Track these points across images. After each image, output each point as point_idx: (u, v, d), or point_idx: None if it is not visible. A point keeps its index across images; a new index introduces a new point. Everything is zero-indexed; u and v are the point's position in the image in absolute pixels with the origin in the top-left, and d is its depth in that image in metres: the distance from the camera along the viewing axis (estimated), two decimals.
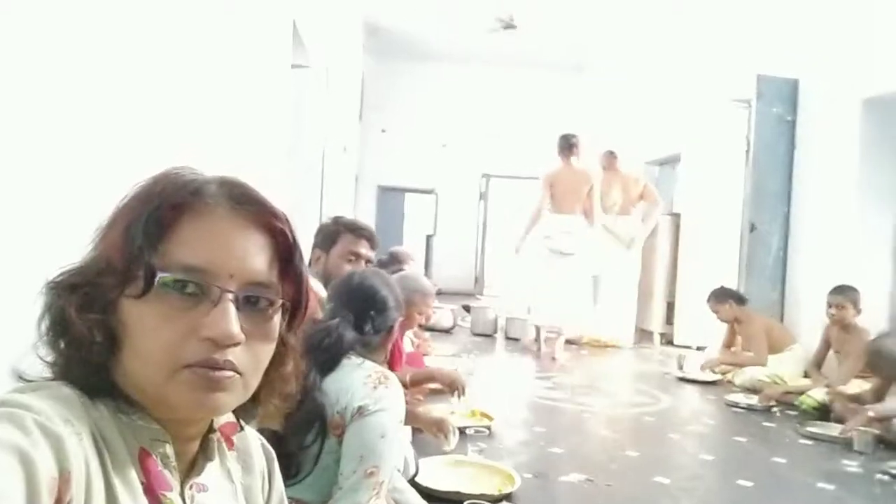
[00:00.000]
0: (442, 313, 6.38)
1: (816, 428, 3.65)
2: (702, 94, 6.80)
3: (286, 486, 0.91)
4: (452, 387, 2.92)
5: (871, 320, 4.74)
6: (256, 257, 0.68)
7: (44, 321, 0.66)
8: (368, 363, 1.67)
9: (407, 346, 3.82)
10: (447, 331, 6.50)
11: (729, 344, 5.35)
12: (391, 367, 2.01)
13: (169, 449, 0.68)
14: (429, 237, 11.18)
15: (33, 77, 1.25)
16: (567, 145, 6.03)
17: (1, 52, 1.16)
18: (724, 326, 5.35)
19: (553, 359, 5.57)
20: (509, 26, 7.94)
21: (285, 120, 3.82)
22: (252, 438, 0.85)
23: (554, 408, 3.95)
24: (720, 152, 6.36)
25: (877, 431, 3.36)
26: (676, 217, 6.88)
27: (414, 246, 9.27)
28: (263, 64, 3.19)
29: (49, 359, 0.67)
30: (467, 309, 7.21)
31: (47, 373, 0.68)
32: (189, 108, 2.14)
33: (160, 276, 0.64)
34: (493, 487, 2.42)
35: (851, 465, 3.10)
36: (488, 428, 3.23)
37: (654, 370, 5.41)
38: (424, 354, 4.39)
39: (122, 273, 0.65)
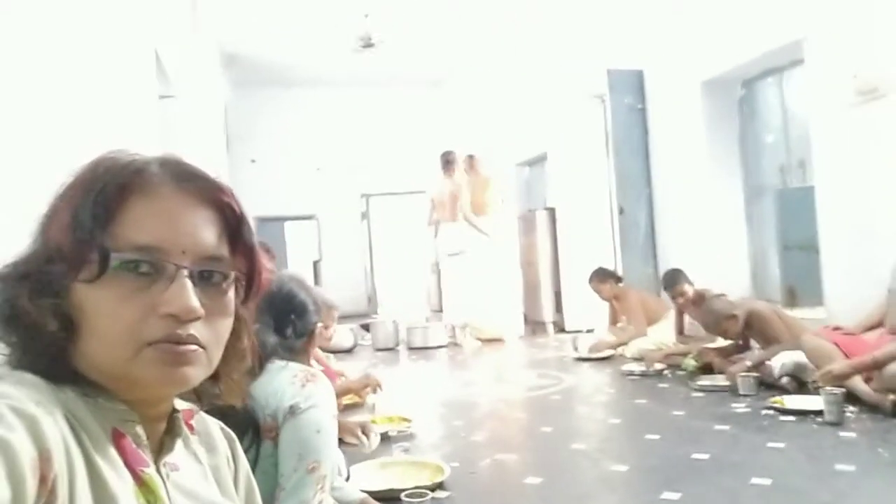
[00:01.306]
0: (341, 333, 6.31)
1: (705, 381, 4.00)
2: (560, 93, 7.23)
3: None
4: (369, 386, 2.93)
5: (734, 280, 5.23)
6: (206, 232, 0.69)
7: None
8: (293, 364, 1.67)
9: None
10: (349, 350, 6.45)
11: (614, 321, 5.70)
12: None
13: (139, 429, 0.68)
14: (315, 263, 11.02)
15: None
16: (444, 162, 6.82)
17: None
18: (607, 307, 5.70)
19: (458, 345, 6.43)
20: (368, 45, 8.04)
21: (155, 151, 3.69)
22: (211, 422, 0.85)
23: (468, 402, 4.05)
24: (583, 145, 6.81)
25: (756, 375, 3.72)
26: (552, 211, 7.24)
27: (301, 274, 9.10)
28: (129, 94, 3.08)
29: (5, 352, 0.66)
30: (366, 328, 7.19)
31: (4, 369, 0.66)
32: (55, 138, 2.05)
33: (113, 257, 0.63)
34: (424, 480, 2.46)
35: (740, 407, 3.41)
36: (408, 429, 3.26)
37: (551, 355, 5.65)
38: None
39: (74, 258, 0.64)
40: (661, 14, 5.95)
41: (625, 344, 5.26)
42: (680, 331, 4.95)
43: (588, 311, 6.36)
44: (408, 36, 8.44)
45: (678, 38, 5.76)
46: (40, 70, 1.90)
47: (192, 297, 0.65)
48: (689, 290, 4.65)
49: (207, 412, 0.85)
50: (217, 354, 0.71)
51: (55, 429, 0.57)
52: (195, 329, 0.66)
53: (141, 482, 0.66)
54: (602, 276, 5.53)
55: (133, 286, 0.64)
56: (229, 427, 1.48)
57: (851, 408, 3.09)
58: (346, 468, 2.39)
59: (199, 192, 0.70)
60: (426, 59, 9.68)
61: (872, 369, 3.12)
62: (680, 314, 4.91)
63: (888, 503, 2.20)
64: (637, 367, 4.61)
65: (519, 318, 6.98)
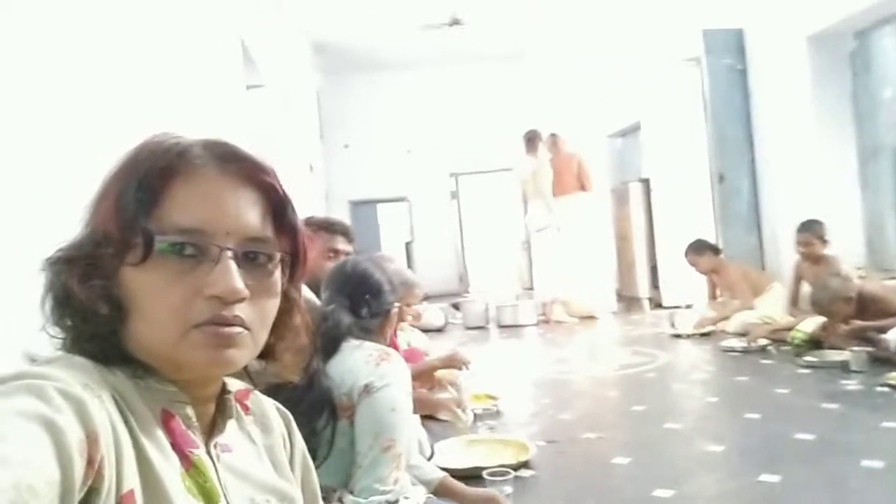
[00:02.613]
0: (432, 312, 6.38)
1: (812, 357, 3.74)
2: (652, 59, 6.90)
3: None
4: (457, 364, 2.91)
5: (847, 246, 4.85)
6: (250, 213, 0.69)
7: (47, 299, 0.67)
8: (368, 343, 1.68)
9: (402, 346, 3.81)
10: (439, 329, 6.51)
11: (713, 296, 5.43)
12: None
13: (189, 410, 0.69)
14: (407, 244, 11.18)
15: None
16: (527, 141, 6.79)
17: None
18: (705, 281, 5.43)
19: (558, 322, 6.34)
20: (455, 23, 7.98)
21: (244, 139, 3.81)
22: (267, 401, 0.85)
23: (558, 380, 3.99)
24: (679, 112, 6.48)
25: (870, 349, 3.45)
26: (646, 183, 6.97)
27: (388, 255, 9.23)
28: (217, 84, 3.19)
29: (59, 335, 0.67)
30: (456, 307, 7.24)
31: (58, 352, 0.68)
32: (144, 131, 2.14)
33: (158, 240, 0.64)
34: (509, 458, 2.43)
35: (850, 384, 3.18)
36: (495, 407, 3.25)
37: (647, 332, 5.48)
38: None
39: (120, 242, 0.65)
40: None
41: (728, 318, 5.01)
42: (794, 301, 4.63)
43: (686, 286, 6.08)
44: (492, 9, 8.31)
45: None
46: (126, 63, 1.99)
47: (236, 279, 0.65)
48: (819, 245, 4.36)
49: (283, 394, 0.86)
50: (262, 336, 0.70)
51: (102, 411, 0.58)
52: (240, 310, 0.66)
53: (190, 464, 0.66)
54: (699, 249, 5.28)
55: (178, 269, 0.65)
56: (305, 407, 1.50)
57: None
58: (430, 445, 2.40)
59: (241, 173, 0.70)
60: (510, 32, 9.50)
61: None
62: (797, 281, 4.59)
63: None
64: (738, 343, 4.38)
65: (611, 295, 6.80)
